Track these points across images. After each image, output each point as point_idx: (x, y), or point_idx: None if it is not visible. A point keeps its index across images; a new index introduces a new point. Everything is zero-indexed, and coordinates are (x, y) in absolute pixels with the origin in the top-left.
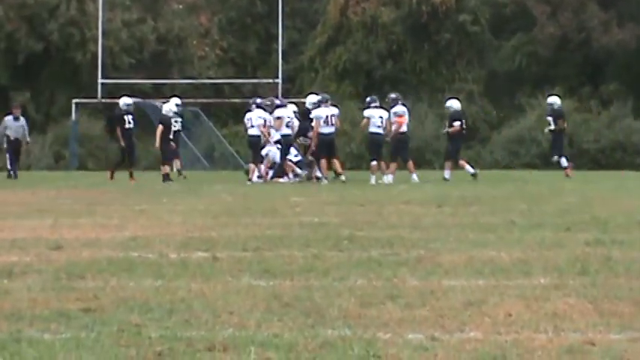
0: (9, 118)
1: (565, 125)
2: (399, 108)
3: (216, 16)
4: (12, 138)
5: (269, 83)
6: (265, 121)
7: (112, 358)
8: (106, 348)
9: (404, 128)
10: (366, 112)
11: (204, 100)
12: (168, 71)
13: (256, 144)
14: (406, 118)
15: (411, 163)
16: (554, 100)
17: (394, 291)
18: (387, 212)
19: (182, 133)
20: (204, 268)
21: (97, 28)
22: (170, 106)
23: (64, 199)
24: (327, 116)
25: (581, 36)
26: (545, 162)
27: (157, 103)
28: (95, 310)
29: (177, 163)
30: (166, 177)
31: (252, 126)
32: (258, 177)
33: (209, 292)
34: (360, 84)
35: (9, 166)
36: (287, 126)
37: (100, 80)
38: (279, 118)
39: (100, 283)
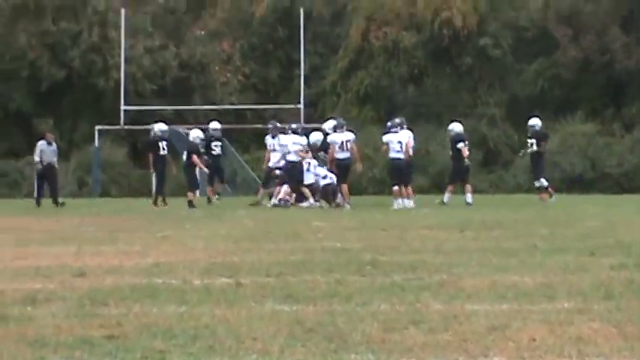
0: (42, 143)
1: (546, 148)
2: (404, 132)
3: (238, 42)
4: (45, 163)
5: (291, 108)
6: (302, 145)
7: None
8: None
9: (409, 152)
10: (385, 138)
11: (227, 126)
12: (190, 97)
13: (294, 169)
14: (411, 142)
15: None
16: (536, 121)
17: (417, 316)
18: (409, 237)
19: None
20: (228, 294)
21: (119, 55)
22: (197, 133)
23: (87, 227)
24: (342, 142)
25: (603, 58)
26: (569, 186)
27: (180, 129)
28: (119, 337)
29: (218, 187)
30: (191, 204)
31: (289, 152)
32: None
33: (233, 318)
34: (382, 108)
35: (35, 193)
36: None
37: (122, 107)
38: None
39: (124, 309)
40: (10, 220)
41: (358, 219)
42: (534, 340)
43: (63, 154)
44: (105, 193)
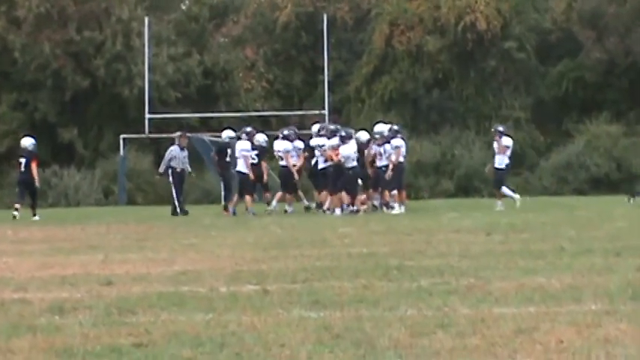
0: (175, 149)
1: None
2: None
3: (261, 48)
4: (178, 169)
5: (315, 114)
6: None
7: None
8: None
9: (401, 159)
10: (397, 142)
11: None
12: (214, 105)
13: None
14: (402, 150)
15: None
16: (382, 128)
17: (445, 320)
18: (435, 241)
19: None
20: (255, 301)
21: (143, 64)
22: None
23: (113, 235)
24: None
25: (627, 60)
26: (593, 187)
27: (205, 137)
28: (147, 345)
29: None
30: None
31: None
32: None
33: (260, 325)
34: (407, 113)
35: (176, 202)
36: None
37: (147, 115)
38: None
39: (151, 317)
40: (35, 230)
41: (384, 224)
42: (562, 342)
43: (88, 163)
44: (131, 202)
